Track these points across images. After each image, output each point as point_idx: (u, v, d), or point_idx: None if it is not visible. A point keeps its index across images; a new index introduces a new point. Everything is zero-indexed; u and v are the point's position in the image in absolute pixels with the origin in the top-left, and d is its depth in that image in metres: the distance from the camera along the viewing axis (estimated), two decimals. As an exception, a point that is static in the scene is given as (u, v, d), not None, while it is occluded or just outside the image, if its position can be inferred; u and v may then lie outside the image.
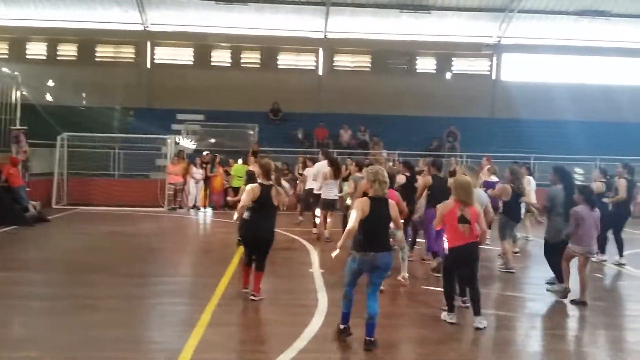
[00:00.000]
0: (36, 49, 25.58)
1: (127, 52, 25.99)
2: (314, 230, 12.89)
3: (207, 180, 18.48)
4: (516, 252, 11.01)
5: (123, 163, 20.02)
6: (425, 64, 26.57)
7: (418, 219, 9.99)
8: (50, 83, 23.52)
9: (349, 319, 5.94)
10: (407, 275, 8.49)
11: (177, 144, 20.39)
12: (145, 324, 6.65)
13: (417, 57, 26.45)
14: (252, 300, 7.26)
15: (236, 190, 14.45)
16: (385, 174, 5.87)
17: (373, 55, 26.26)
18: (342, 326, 5.95)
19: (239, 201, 7.91)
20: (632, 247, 11.58)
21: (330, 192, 12.15)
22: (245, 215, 7.44)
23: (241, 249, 9.83)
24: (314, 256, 10.70)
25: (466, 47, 26.00)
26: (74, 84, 23.19)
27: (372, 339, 5.68)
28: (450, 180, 7.88)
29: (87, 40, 25.30)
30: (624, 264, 10.44)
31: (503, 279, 9.34)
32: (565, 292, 7.85)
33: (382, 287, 7.85)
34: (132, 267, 9.40)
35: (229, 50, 25.96)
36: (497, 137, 23.06)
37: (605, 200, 10.31)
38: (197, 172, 18.26)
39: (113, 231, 13.52)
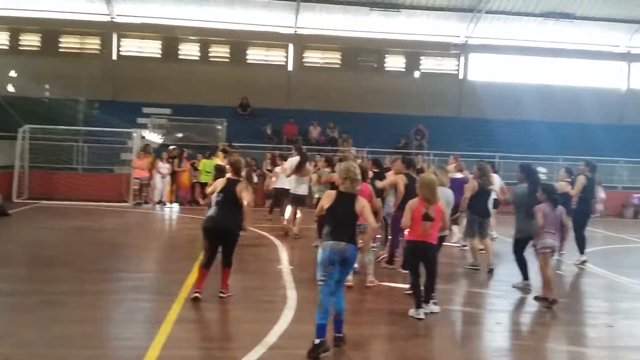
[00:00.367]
0: (-3, 38, 24.86)
1: (92, 43, 25.39)
2: (284, 223, 12.91)
3: (173, 175, 18.27)
4: (482, 250, 11.18)
5: (87, 157, 19.62)
6: (395, 62, 26.76)
7: (382, 212, 9.96)
8: (12, 73, 22.91)
9: (325, 331, 5.45)
10: (373, 278, 8.32)
11: (143, 137, 20.08)
12: (111, 320, 6.54)
13: (387, 55, 26.63)
14: (221, 297, 7.20)
15: (204, 186, 14.34)
16: (358, 171, 5.84)
17: (343, 52, 26.32)
18: (317, 340, 5.39)
19: (206, 195, 7.86)
20: (593, 245, 11.89)
21: (299, 187, 12.13)
22: (211, 210, 7.40)
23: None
24: (283, 253, 10.68)
25: (434, 46, 26.27)
26: (36, 75, 22.65)
27: (341, 335, 5.70)
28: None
29: (51, 30, 24.64)
30: (585, 262, 10.71)
31: (469, 275, 9.50)
32: (527, 289, 8.02)
33: (350, 284, 7.96)
34: (98, 263, 9.22)
35: (198, 44, 25.64)
36: (463, 135, 23.40)
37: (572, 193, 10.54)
38: (164, 167, 18.02)
39: (77, 226, 13.25)
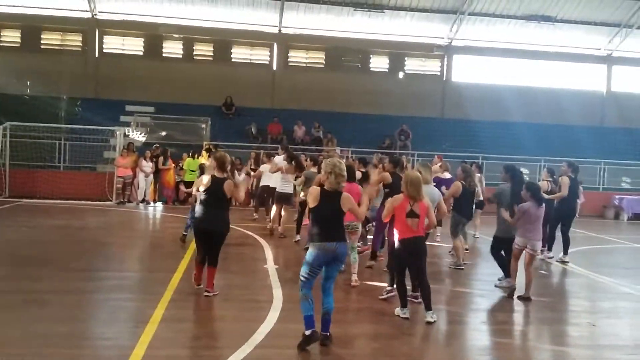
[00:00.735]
0: (-23, 35, 24.45)
1: (74, 40, 25.10)
2: (270, 224, 12.90)
3: (157, 174, 18.14)
4: (466, 249, 11.28)
5: (69, 155, 19.43)
6: (379, 63, 26.85)
7: (369, 214, 10.00)
8: (-8, 70, 22.55)
9: (313, 321, 5.54)
10: (356, 277, 8.36)
11: (126, 136, 19.90)
12: (95, 319, 6.46)
13: (371, 56, 26.71)
14: (206, 296, 7.17)
15: (188, 185, 14.25)
16: (343, 167, 5.79)
17: (327, 52, 26.34)
18: (307, 332, 5.46)
19: (190, 194, 7.84)
20: (576, 245, 12.04)
21: (285, 186, 12.10)
22: (197, 208, 7.37)
23: (193, 244, 9.72)
24: (269, 252, 10.66)
25: (418, 47, 26.41)
26: (17, 72, 22.30)
27: (328, 334, 5.70)
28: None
29: (32, 26, 24.31)
30: (567, 262, 10.85)
31: (453, 275, 9.56)
32: (511, 289, 8.10)
33: (355, 283, 8.02)
34: (80, 262, 9.13)
35: (181, 42, 25.49)
36: (447, 136, 23.57)
37: (547, 197, 10.67)
38: (147, 166, 17.89)
39: (59, 225, 13.09)
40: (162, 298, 7.01)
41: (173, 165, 18.18)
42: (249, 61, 26.01)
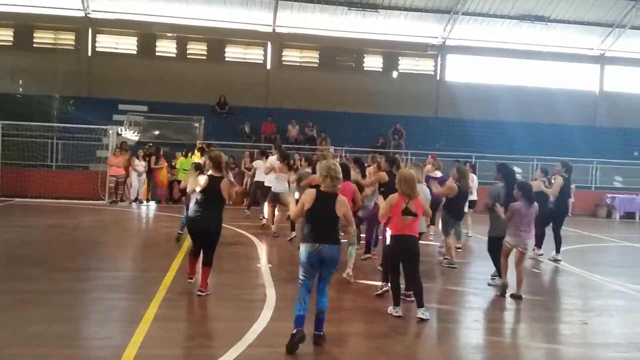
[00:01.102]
0: (-31, 33, 24.30)
1: (67, 39, 24.97)
2: (264, 221, 12.89)
3: (150, 173, 18.09)
4: (458, 248, 11.33)
5: (62, 154, 19.35)
6: (373, 62, 26.85)
7: (362, 214, 10.03)
8: (-16, 69, 22.42)
9: (303, 322, 5.52)
10: (351, 272, 8.45)
11: (119, 135, 19.83)
12: (88, 319, 6.44)
13: (365, 55, 26.71)
14: (199, 295, 7.16)
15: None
16: (339, 169, 5.82)
17: (321, 51, 26.32)
18: (294, 330, 5.49)
19: (183, 191, 7.85)
20: (568, 244, 12.09)
21: (280, 185, 12.10)
22: (191, 208, 7.37)
23: (186, 243, 9.71)
24: (262, 251, 10.66)
25: (412, 47, 26.44)
26: (10, 70, 22.23)
27: (321, 334, 5.71)
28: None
29: (25, 25, 24.17)
30: (559, 260, 10.90)
31: (446, 273, 9.59)
32: (504, 287, 8.13)
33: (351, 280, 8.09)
34: (73, 261, 9.09)
35: (175, 41, 25.42)
36: (440, 135, 23.66)
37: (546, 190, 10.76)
38: (140, 165, 17.84)
39: (52, 224, 13.03)
40: (155, 297, 6.99)
41: (166, 164, 18.13)
42: (242, 60, 25.96)
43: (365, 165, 11.22)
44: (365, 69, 26.79)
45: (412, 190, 6.75)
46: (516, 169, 19.57)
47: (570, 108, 25.80)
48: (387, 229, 7.04)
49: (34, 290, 7.26)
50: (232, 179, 7.55)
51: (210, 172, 7.36)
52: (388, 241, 7.01)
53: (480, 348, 6.18)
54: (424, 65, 27.13)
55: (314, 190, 5.80)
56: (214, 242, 7.32)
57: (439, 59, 26.75)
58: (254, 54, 26.03)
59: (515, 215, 7.90)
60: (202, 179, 7.29)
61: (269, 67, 25.70)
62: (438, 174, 12.19)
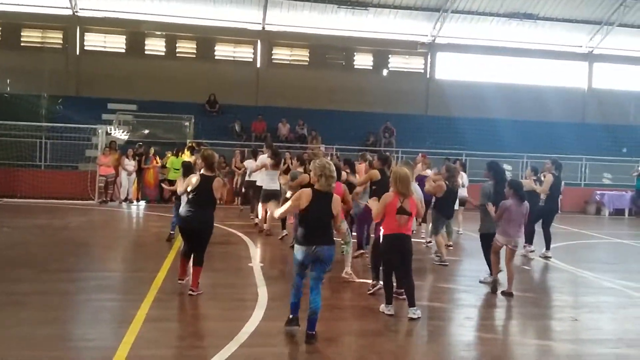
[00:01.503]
0: (-45, 32, 24.03)
1: (54, 38, 24.74)
2: (256, 220, 12.86)
3: (139, 172, 17.98)
4: (449, 246, 11.36)
5: (50, 153, 19.18)
6: (363, 60, 26.83)
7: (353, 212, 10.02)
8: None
9: (297, 309, 5.88)
10: (350, 270, 8.47)
11: (108, 134, 19.70)
12: (78, 320, 6.39)
13: (355, 53, 26.69)
14: (191, 295, 7.12)
15: (172, 183, 14.14)
16: (333, 169, 5.83)
17: (311, 49, 26.28)
18: (290, 316, 5.89)
19: (174, 192, 7.81)
20: (558, 241, 12.14)
21: (272, 183, 12.06)
22: (183, 207, 7.33)
23: (177, 242, 9.66)
24: (253, 250, 10.63)
25: (402, 44, 26.46)
26: (-3, 70, 22.01)
27: (313, 333, 5.71)
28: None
29: (12, 23, 23.94)
30: (550, 257, 10.96)
31: (437, 271, 9.61)
32: (495, 284, 8.16)
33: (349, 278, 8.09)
34: (63, 262, 9.02)
35: (164, 39, 25.25)
36: (431, 133, 23.70)
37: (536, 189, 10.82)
38: (129, 164, 17.74)
39: (40, 224, 12.92)
40: (146, 298, 6.95)
41: (155, 163, 18.04)
42: (232, 59, 25.85)
43: (357, 163, 11.24)
44: (355, 67, 26.76)
45: (407, 190, 6.75)
46: (506, 167, 19.81)
47: (559, 105, 25.98)
48: (380, 227, 7.03)
49: (23, 291, 7.19)
50: (224, 179, 7.54)
51: (202, 171, 7.32)
52: (381, 240, 7.00)
53: (472, 345, 6.20)
54: (414, 63, 27.16)
55: (309, 190, 5.80)
56: (204, 241, 7.29)
57: (429, 56, 26.78)
58: (244, 52, 25.93)
59: (506, 213, 7.93)
60: (194, 178, 7.26)
61: (259, 65, 25.63)
62: (429, 172, 12.22)
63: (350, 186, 9.26)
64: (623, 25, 26.05)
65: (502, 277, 8.17)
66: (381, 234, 6.94)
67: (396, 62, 26.94)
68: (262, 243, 11.40)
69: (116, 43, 25.04)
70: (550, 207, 11.11)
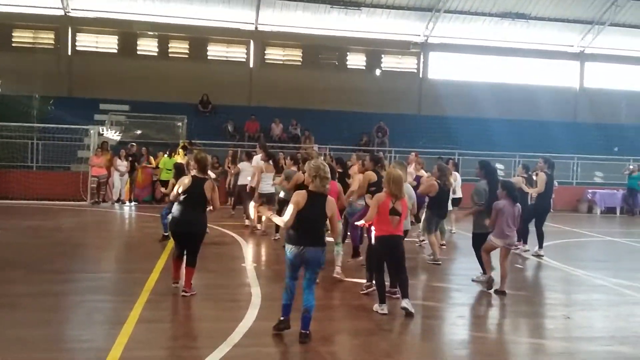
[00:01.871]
0: (-55, 32, 23.83)
1: (46, 38, 24.66)
2: (247, 222, 12.86)
3: (132, 173, 17.92)
4: (442, 245, 11.38)
5: (42, 154, 19.07)
6: (356, 60, 26.86)
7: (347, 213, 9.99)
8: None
9: (289, 311, 5.85)
10: (340, 270, 8.47)
11: (100, 134, 19.61)
12: (71, 322, 6.36)
13: (348, 53, 26.72)
14: (184, 296, 7.11)
15: (165, 184, 14.12)
16: (327, 169, 5.86)
17: (304, 49, 26.28)
18: (281, 318, 5.84)
19: (167, 194, 7.80)
20: (550, 239, 12.19)
21: (267, 186, 12.03)
22: (175, 208, 7.31)
23: (170, 243, 9.63)
24: (247, 250, 10.63)
25: (395, 44, 26.51)
26: (-12, 71, 21.84)
27: (307, 332, 5.71)
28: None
29: (3, 24, 23.74)
30: (542, 256, 11.01)
31: (430, 270, 9.63)
32: (489, 283, 8.20)
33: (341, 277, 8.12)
34: (55, 264, 8.98)
35: (156, 39, 25.18)
36: (423, 133, 23.75)
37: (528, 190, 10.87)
38: (122, 165, 17.68)
39: (32, 226, 12.86)
40: (139, 299, 6.93)
41: (148, 163, 17.99)
42: (225, 59, 25.81)
43: (349, 164, 11.24)
44: (348, 67, 26.79)
45: (399, 191, 6.79)
46: (498, 166, 19.89)
47: (551, 104, 26.09)
48: (372, 228, 7.04)
49: (15, 293, 7.16)
50: (212, 175, 7.55)
51: (194, 173, 7.32)
52: (373, 241, 7.01)
53: (465, 343, 6.22)
54: (407, 63, 27.21)
55: (304, 192, 5.82)
56: (197, 243, 7.27)
57: (422, 56, 26.84)
58: (237, 53, 25.90)
59: (499, 214, 7.95)
60: (186, 179, 7.25)
61: (251, 65, 25.60)
62: (423, 173, 12.25)
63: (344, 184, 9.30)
64: (614, 25, 26.22)
65: (495, 275, 8.21)
66: (373, 235, 6.95)
67: (389, 62, 26.98)
68: (255, 243, 11.39)
69: (108, 43, 24.97)
70: (542, 206, 11.16)
